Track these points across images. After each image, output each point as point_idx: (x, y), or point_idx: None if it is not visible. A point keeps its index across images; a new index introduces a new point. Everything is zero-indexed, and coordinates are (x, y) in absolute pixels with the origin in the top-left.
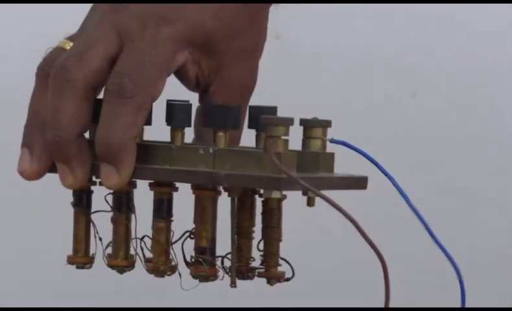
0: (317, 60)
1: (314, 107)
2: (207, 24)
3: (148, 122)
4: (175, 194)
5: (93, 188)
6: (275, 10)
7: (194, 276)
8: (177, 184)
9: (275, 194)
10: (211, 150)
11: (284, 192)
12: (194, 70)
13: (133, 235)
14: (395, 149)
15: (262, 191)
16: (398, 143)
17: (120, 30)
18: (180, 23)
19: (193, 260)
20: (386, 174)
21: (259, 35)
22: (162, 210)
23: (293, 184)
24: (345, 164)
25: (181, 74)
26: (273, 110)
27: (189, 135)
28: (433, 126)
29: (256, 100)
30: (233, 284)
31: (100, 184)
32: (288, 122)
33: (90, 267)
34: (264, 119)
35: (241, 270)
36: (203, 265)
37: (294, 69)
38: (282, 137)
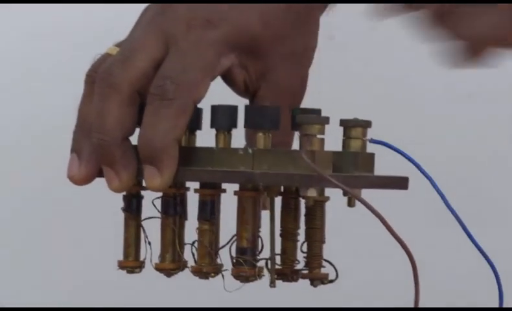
0: (367, 60)
1: (363, 109)
2: (253, 27)
3: (198, 126)
4: (229, 199)
5: (143, 193)
6: (326, 15)
7: (235, 276)
8: (227, 188)
9: (311, 193)
10: (250, 151)
11: (327, 194)
12: (241, 75)
13: (183, 239)
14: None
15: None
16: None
17: (165, 34)
18: (226, 26)
19: (234, 261)
20: (426, 175)
21: (309, 39)
22: (206, 212)
23: (324, 182)
24: (391, 166)
25: (228, 79)
26: (317, 112)
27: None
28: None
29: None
30: (272, 284)
31: None
32: (324, 120)
33: (140, 271)
34: (300, 118)
35: (285, 272)
36: (244, 266)
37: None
38: (318, 136)
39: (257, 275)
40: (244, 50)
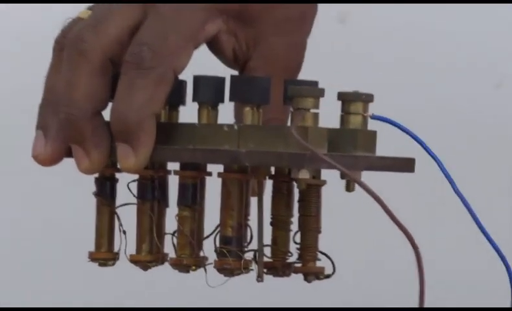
0: (387, 46)
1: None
2: None
3: (181, 101)
4: (216, 184)
5: (118, 176)
6: None
7: (219, 269)
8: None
9: (303, 175)
10: (236, 127)
11: (323, 177)
12: (230, 43)
13: (163, 228)
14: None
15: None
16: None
17: None
18: None
19: (218, 251)
20: (433, 156)
21: (306, 4)
22: (187, 197)
23: (317, 162)
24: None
25: (215, 47)
26: (312, 84)
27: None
28: None
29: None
30: (260, 278)
31: None
32: (318, 92)
33: (113, 263)
34: (291, 90)
35: (275, 266)
36: (228, 258)
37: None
38: (312, 110)
39: (243, 268)
40: (232, 15)
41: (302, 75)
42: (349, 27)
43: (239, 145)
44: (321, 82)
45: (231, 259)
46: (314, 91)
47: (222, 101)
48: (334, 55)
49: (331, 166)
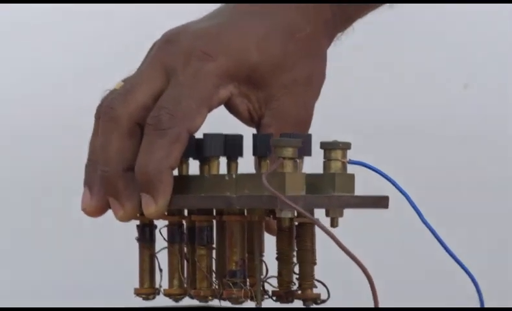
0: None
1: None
2: (251, 57)
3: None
4: None
5: (157, 222)
6: (334, 46)
7: (227, 299)
8: None
9: (285, 214)
10: (234, 176)
11: (316, 216)
12: (243, 104)
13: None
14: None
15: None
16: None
17: (166, 67)
18: (223, 58)
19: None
20: (404, 194)
21: (313, 70)
22: (203, 237)
23: (284, 203)
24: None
25: (231, 109)
26: (306, 137)
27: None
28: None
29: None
30: (258, 304)
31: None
32: (295, 143)
33: (154, 297)
34: (272, 141)
35: (280, 294)
36: (233, 289)
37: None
38: (292, 159)
39: (248, 296)
40: (243, 80)
41: None
42: None
43: (236, 191)
44: None
45: (235, 289)
46: (291, 142)
47: (240, 154)
48: None
49: (291, 207)
